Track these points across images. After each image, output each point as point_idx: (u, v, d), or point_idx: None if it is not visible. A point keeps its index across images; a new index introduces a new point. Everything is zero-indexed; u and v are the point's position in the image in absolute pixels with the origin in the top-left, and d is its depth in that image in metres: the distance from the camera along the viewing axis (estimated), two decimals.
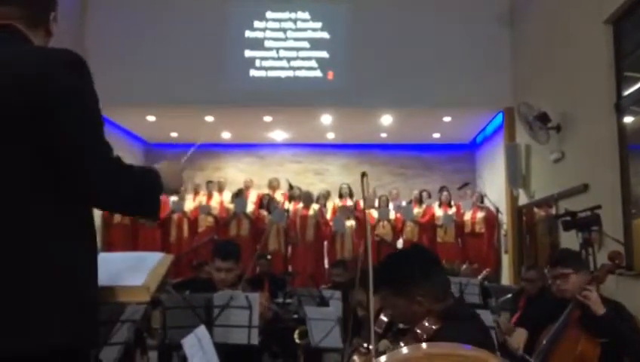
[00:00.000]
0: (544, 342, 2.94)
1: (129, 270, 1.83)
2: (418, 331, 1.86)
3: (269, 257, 7.56)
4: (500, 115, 9.29)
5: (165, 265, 1.90)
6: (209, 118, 9.84)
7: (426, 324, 1.87)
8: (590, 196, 6.04)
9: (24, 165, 1.39)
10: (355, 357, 2.54)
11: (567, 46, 6.85)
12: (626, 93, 5.80)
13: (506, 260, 9.07)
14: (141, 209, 1.62)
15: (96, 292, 1.55)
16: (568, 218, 5.22)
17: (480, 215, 9.29)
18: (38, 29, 1.56)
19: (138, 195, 1.53)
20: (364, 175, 2.00)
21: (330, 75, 9.26)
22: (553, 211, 7.46)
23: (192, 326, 2.75)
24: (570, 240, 5.81)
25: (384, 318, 2.71)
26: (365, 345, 2.47)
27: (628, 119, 5.81)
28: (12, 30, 1.49)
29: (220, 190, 9.66)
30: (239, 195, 9.28)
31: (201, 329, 2.25)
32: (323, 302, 4.94)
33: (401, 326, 2.42)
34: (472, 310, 2.19)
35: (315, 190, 10.03)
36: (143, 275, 1.81)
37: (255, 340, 2.85)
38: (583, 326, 2.92)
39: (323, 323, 3.57)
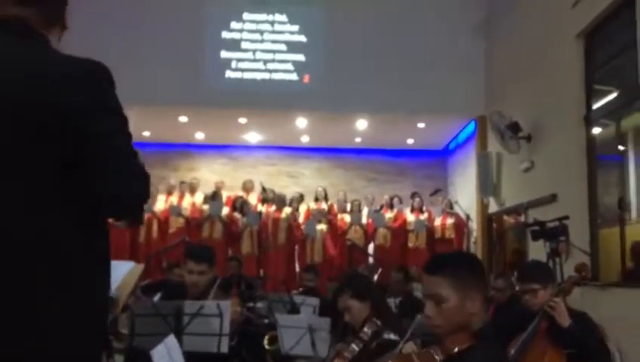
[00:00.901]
0: (512, 352, 2.98)
1: None
2: (449, 343, 1.77)
3: (239, 259, 7.50)
4: (473, 123, 9.41)
5: (135, 275, 1.88)
6: (183, 119, 9.75)
7: (460, 338, 1.77)
8: (558, 206, 6.16)
9: (49, 175, 1.36)
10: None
11: (540, 58, 6.98)
12: (596, 105, 5.94)
13: None
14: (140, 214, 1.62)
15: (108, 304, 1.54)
16: (537, 228, 5.30)
17: (450, 221, 9.38)
18: (55, 26, 1.53)
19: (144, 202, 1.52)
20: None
21: (307, 78, 9.26)
22: (522, 219, 7.60)
23: (160, 333, 2.72)
24: (538, 249, 5.91)
25: (367, 330, 2.72)
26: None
27: (596, 130, 5.95)
28: (30, 31, 1.45)
29: (192, 191, 9.56)
30: (215, 198, 9.19)
31: (171, 339, 2.22)
32: (294, 308, 4.93)
33: (392, 337, 2.41)
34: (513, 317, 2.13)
35: (289, 193, 10.01)
36: (112, 286, 1.78)
37: (225, 348, 2.82)
38: (550, 338, 2.97)
39: (294, 331, 3.55)
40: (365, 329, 2.81)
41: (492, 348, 1.80)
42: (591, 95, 6.04)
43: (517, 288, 5.25)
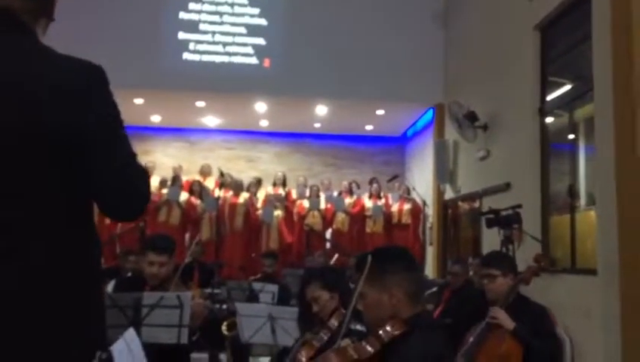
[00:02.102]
0: (470, 340, 3.06)
1: None
2: (381, 332, 1.85)
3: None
4: (431, 111, 9.53)
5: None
6: (138, 101, 9.50)
7: (389, 327, 1.86)
8: (512, 194, 6.33)
9: (56, 183, 1.32)
10: (303, 351, 2.54)
11: (498, 49, 7.09)
12: (550, 97, 6.09)
13: (430, 252, 9.36)
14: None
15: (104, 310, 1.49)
16: (492, 215, 5.44)
17: (407, 207, 9.51)
18: (42, 17, 1.45)
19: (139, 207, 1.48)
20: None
21: (267, 62, 9.16)
22: (474, 206, 7.78)
23: (118, 325, 2.67)
24: (491, 235, 6.07)
25: (335, 321, 2.73)
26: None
27: (550, 120, 6.11)
28: (18, 23, 1.36)
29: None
30: (175, 182, 9.02)
31: (130, 333, 2.17)
32: (253, 295, 4.93)
33: (358, 327, 2.44)
34: (441, 322, 2.21)
35: (247, 178, 9.93)
36: None
37: (185, 339, 2.78)
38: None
39: (254, 320, 3.55)
40: (333, 319, 2.83)
41: (425, 334, 1.87)
42: (546, 87, 6.19)
43: (471, 273, 5.44)
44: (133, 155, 1.43)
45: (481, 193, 7.24)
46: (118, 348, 1.98)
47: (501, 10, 7.11)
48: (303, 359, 2.75)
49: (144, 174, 1.46)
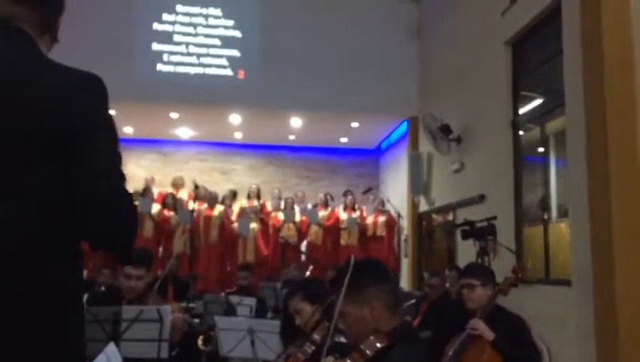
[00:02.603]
0: (450, 353, 3.08)
1: None
2: (362, 347, 1.85)
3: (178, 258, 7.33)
4: (405, 123, 9.62)
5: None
6: (110, 112, 9.31)
7: (372, 342, 1.85)
8: (486, 206, 6.42)
9: (44, 182, 1.31)
10: None
11: (470, 63, 7.22)
12: (522, 110, 6.22)
13: (405, 264, 9.41)
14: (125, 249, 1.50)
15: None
16: (467, 227, 5.50)
17: (381, 219, 9.56)
18: (45, 34, 1.45)
19: (132, 238, 1.44)
20: None
21: (241, 74, 9.14)
22: (448, 218, 7.85)
23: (96, 340, 2.61)
24: (466, 247, 6.14)
25: (319, 333, 2.71)
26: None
27: (522, 134, 6.23)
28: (23, 35, 1.37)
29: None
30: (145, 194, 8.89)
31: (111, 348, 2.13)
32: (230, 309, 4.87)
33: (342, 339, 2.43)
34: (418, 334, 2.21)
35: (221, 190, 9.86)
36: None
37: (165, 354, 2.73)
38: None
39: (233, 334, 3.50)
40: (317, 332, 2.81)
41: (408, 347, 1.87)
42: (517, 100, 6.32)
43: (447, 285, 5.48)
44: (121, 172, 1.40)
45: (455, 205, 7.32)
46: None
47: (473, 24, 7.24)
48: None
49: (130, 197, 1.42)
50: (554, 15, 5.49)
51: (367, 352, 1.86)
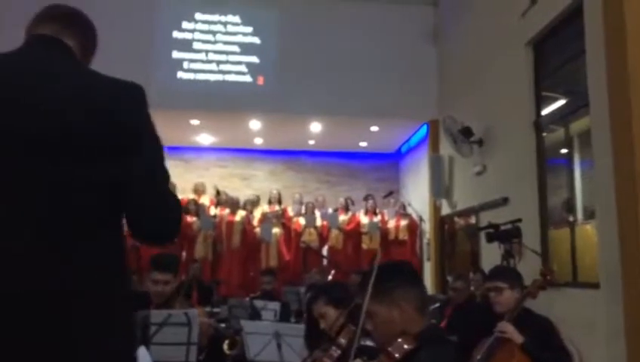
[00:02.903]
0: (478, 357, 3.04)
1: None
2: (390, 349, 1.83)
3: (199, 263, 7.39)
4: (425, 126, 9.59)
5: None
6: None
7: (400, 344, 1.84)
8: (509, 209, 6.35)
9: (97, 188, 1.34)
10: None
11: (491, 65, 7.17)
12: (545, 111, 6.16)
13: (428, 268, 9.35)
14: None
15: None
16: (491, 230, 5.45)
17: (403, 223, 9.52)
18: (90, 57, 1.59)
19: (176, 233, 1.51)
20: None
21: (261, 80, 9.20)
22: (471, 221, 7.79)
23: None
24: (490, 250, 6.08)
25: (342, 340, 2.70)
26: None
27: (545, 135, 6.16)
28: (71, 51, 1.47)
29: None
30: None
31: (142, 352, 2.15)
32: (255, 313, 4.89)
33: (368, 343, 2.42)
34: (446, 336, 2.19)
35: (241, 195, 9.91)
36: None
37: (193, 358, 2.75)
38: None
39: (259, 337, 3.51)
40: (342, 335, 2.80)
41: (435, 348, 1.86)
42: (540, 101, 6.25)
43: (472, 288, 5.43)
44: (168, 176, 1.46)
45: (478, 208, 7.26)
46: None
47: (492, 26, 7.20)
48: None
49: (177, 206, 1.48)
50: (575, 15, 5.43)
51: (395, 354, 1.84)
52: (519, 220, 5.33)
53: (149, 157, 1.40)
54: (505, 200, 6.50)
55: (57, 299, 1.26)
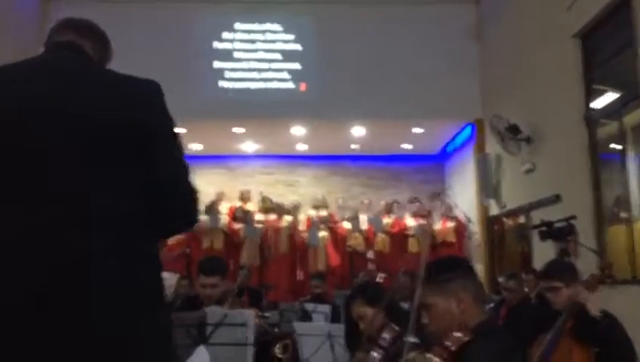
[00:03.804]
0: (538, 353, 2.96)
1: None
2: (446, 340, 1.82)
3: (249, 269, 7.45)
4: (470, 126, 9.44)
5: (172, 286, 1.86)
6: (179, 130, 9.65)
7: (456, 336, 1.83)
8: (562, 206, 6.18)
9: (123, 182, 1.39)
10: None
11: (536, 59, 7.02)
12: (595, 105, 5.98)
13: (478, 270, 9.17)
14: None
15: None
16: (544, 228, 5.31)
17: (450, 225, 9.39)
18: (105, 62, 1.65)
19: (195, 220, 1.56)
20: None
21: (303, 86, 9.25)
22: (522, 221, 7.61)
23: (183, 344, 2.68)
24: (543, 249, 5.93)
25: (386, 336, 2.68)
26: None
27: (597, 129, 5.98)
28: (90, 56, 1.55)
29: None
30: (211, 210, 9.11)
31: (201, 350, 2.18)
32: (305, 316, 4.90)
33: (411, 339, 2.39)
34: (506, 331, 2.15)
35: (286, 201, 9.98)
36: None
37: (250, 359, 2.77)
38: (575, 336, 2.95)
39: (312, 339, 3.51)
40: (384, 335, 2.77)
41: (490, 342, 1.82)
42: (590, 95, 6.08)
43: (526, 289, 5.29)
44: (187, 164, 1.52)
45: (529, 207, 7.09)
46: None
47: (536, 20, 7.06)
48: None
49: (195, 198, 1.53)
50: (623, 5, 5.28)
51: (451, 346, 1.82)
52: (573, 217, 5.18)
53: (169, 149, 1.47)
54: (557, 198, 6.33)
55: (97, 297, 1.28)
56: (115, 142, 1.37)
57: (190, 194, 1.50)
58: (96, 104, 1.37)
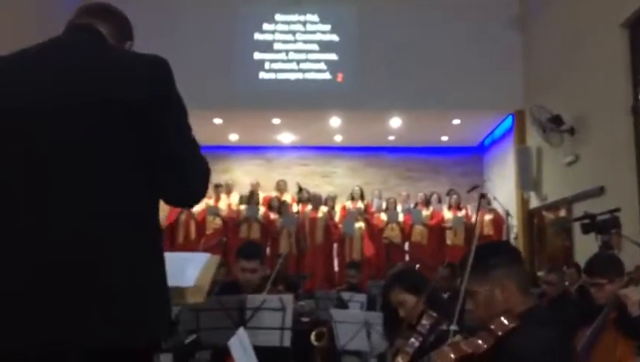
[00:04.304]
0: (579, 348, 2.90)
1: (177, 271, 1.79)
2: (492, 326, 1.80)
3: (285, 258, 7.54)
4: (510, 117, 9.27)
5: (213, 266, 1.87)
6: (218, 121, 9.81)
7: (502, 321, 1.80)
8: (606, 199, 6.02)
9: (130, 156, 1.42)
10: (399, 359, 2.50)
11: (582, 49, 6.83)
12: None
13: None
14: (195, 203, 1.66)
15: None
16: (587, 221, 5.18)
17: (488, 217, 9.25)
18: (122, 42, 1.67)
19: (203, 195, 1.58)
20: None
21: (340, 77, 9.24)
22: (562, 214, 7.44)
23: (223, 327, 2.73)
24: (585, 243, 5.79)
25: (425, 323, 2.67)
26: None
27: None
28: (103, 36, 1.59)
29: (228, 192, 9.62)
30: (251, 200, 9.20)
31: (242, 332, 2.21)
32: (341, 305, 4.91)
33: (452, 328, 2.38)
34: (559, 317, 2.12)
35: (322, 193, 9.99)
36: (192, 276, 1.78)
37: (287, 342, 2.81)
38: (619, 329, 2.88)
39: (349, 326, 3.53)
40: (423, 322, 2.76)
41: (537, 329, 1.79)
42: (637, 85, 5.89)
43: (566, 283, 5.18)
44: (196, 145, 1.53)
45: (571, 199, 6.93)
46: (234, 344, 2.01)
47: (582, 9, 6.87)
48: None
49: (205, 169, 1.55)
50: None
51: (497, 332, 1.80)
52: (618, 209, 5.03)
53: (177, 123, 1.48)
54: (601, 190, 6.17)
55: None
56: (119, 117, 1.40)
57: (199, 169, 1.52)
58: (101, 81, 1.41)
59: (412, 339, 2.80)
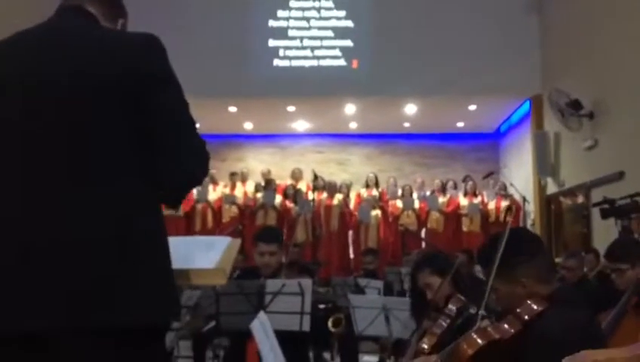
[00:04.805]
0: (602, 328, 2.87)
1: (199, 253, 1.80)
2: (519, 310, 1.79)
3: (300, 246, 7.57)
4: (527, 102, 9.17)
5: (234, 249, 1.87)
6: (232, 109, 9.82)
7: (530, 305, 1.79)
8: (626, 183, 5.95)
9: (121, 135, 1.40)
10: (425, 340, 2.49)
11: (601, 31, 6.72)
12: None
13: None
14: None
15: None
16: (606, 205, 5.14)
17: (504, 204, 9.19)
18: (115, 20, 1.64)
19: (202, 175, 1.54)
20: None
21: (355, 63, 9.19)
22: (580, 200, 7.37)
23: (243, 312, 2.74)
24: (604, 228, 5.74)
25: (453, 306, 2.66)
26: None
27: None
28: (95, 18, 1.57)
29: (244, 180, 9.65)
30: (268, 187, 9.23)
31: (262, 315, 2.22)
32: (358, 291, 4.92)
33: (483, 312, 2.37)
34: (579, 299, 2.09)
35: (337, 180, 9.97)
36: (214, 258, 1.78)
37: (307, 327, 2.82)
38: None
39: (367, 311, 3.54)
40: (450, 305, 2.76)
41: (566, 310, 1.77)
42: None
43: (585, 269, 5.13)
44: (192, 124, 1.48)
45: (590, 184, 6.86)
46: (256, 327, 2.02)
47: None
48: (426, 347, 2.70)
49: (202, 151, 1.49)
50: None
51: (524, 316, 1.79)
52: (638, 194, 4.97)
53: (170, 99, 1.44)
54: (621, 175, 6.09)
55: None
56: (112, 98, 1.39)
57: (196, 147, 1.47)
58: (88, 60, 1.40)
59: (439, 321, 2.80)
